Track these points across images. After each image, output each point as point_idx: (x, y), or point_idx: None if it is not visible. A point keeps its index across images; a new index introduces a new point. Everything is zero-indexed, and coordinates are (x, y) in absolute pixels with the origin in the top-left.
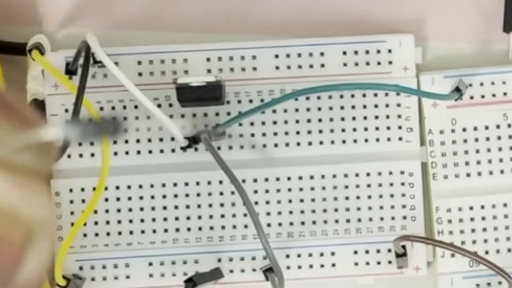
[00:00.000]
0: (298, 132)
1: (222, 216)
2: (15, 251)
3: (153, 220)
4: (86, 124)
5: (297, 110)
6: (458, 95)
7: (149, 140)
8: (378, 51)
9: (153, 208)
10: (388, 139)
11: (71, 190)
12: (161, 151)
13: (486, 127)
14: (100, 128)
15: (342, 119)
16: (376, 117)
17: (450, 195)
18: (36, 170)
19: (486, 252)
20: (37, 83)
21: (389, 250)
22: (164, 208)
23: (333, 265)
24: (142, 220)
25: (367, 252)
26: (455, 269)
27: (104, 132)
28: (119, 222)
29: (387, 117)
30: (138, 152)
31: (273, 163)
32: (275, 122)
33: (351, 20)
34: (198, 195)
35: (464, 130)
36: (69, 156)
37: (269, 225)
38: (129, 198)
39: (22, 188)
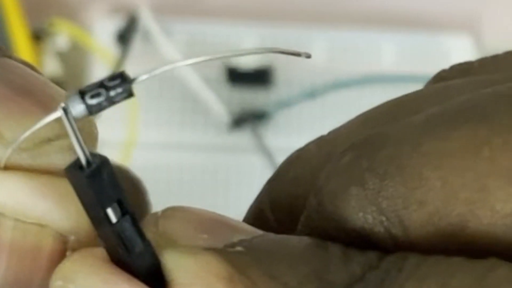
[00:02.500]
0: None
1: None
2: (51, 260)
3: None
4: (98, 94)
5: (346, 100)
6: None
7: (194, 121)
8: (435, 49)
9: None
10: None
11: None
12: (205, 132)
13: None
14: (113, 101)
15: None
16: None
17: None
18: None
19: None
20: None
21: None
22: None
23: None
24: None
25: None
26: None
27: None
28: None
29: None
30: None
31: None
32: (324, 112)
33: (406, 14)
34: (239, 176)
35: None
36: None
37: None
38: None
39: (50, 195)
